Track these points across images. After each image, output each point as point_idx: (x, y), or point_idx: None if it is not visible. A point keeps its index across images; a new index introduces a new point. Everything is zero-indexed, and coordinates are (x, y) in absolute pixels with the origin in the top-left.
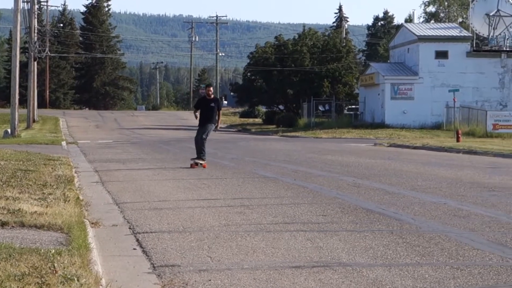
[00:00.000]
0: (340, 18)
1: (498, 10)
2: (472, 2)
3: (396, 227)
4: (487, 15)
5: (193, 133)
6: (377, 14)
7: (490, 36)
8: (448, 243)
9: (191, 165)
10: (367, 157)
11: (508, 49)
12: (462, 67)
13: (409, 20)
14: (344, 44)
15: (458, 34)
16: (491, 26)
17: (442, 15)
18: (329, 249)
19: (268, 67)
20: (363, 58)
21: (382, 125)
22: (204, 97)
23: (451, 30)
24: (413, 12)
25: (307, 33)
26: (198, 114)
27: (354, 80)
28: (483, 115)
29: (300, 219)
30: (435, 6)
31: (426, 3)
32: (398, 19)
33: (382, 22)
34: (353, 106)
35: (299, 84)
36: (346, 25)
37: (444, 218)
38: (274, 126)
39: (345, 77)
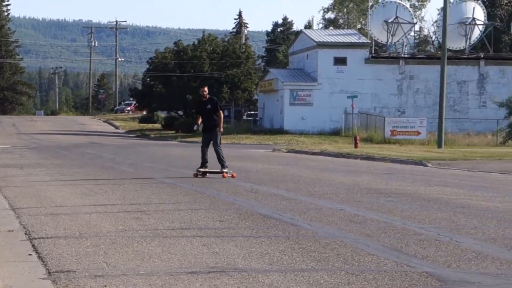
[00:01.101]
0: (240, 24)
1: (396, 17)
2: (370, 9)
3: (293, 232)
4: (386, 22)
5: (91, 138)
6: (276, 20)
7: (388, 43)
8: (343, 249)
9: (194, 174)
10: (265, 163)
11: (406, 55)
12: (361, 74)
13: (309, 26)
14: (243, 50)
15: (356, 41)
16: (390, 32)
17: (341, 21)
18: (225, 254)
19: (167, 72)
20: (263, 64)
21: (281, 131)
22: (201, 99)
23: (350, 36)
24: (313, 19)
25: (206, 39)
26: (200, 120)
27: (254, 86)
28: (381, 121)
29: (197, 225)
30: (334, 12)
31: (325, 9)
32: (298, 25)
33: (281, 28)
34: (252, 112)
35: (199, 89)
36: (245, 31)
37: (340, 224)
38: (173, 131)
39: (245, 83)
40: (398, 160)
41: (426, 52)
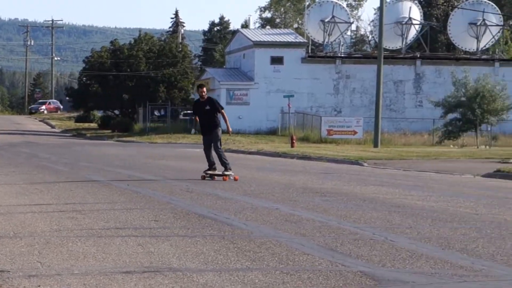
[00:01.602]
0: (177, 23)
1: (333, 17)
2: (307, 8)
3: (228, 232)
4: (322, 21)
5: (27, 138)
6: (213, 20)
7: (325, 42)
8: (279, 248)
9: (202, 176)
10: (202, 162)
11: (342, 55)
12: (297, 73)
13: (245, 25)
14: (180, 49)
15: (293, 40)
16: (326, 32)
17: (278, 20)
18: (160, 254)
19: (103, 71)
20: (199, 63)
21: None
22: (198, 100)
23: (287, 36)
24: (249, 18)
25: (143, 38)
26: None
27: (190, 85)
28: (317, 121)
29: (132, 225)
30: (271, 12)
31: (262, 9)
32: (235, 25)
33: (218, 28)
34: (189, 111)
35: (135, 89)
36: (182, 30)
37: (276, 223)
38: (109, 131)
39: (181, 82)
40: (334, 160)
41: (362, 52)
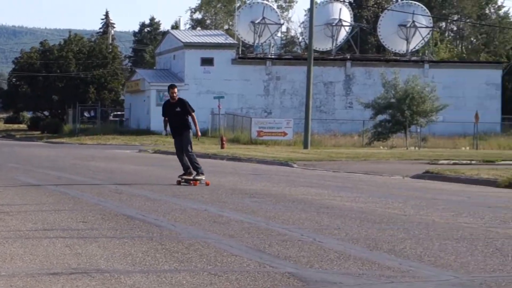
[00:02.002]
0: (107, 24)
1: (263, 18)
2: (238, 9)
3: (156, 233)
4: (253, 22)
5: None
6: (143, 21)
7: (255, 44)
8: (207, 250)
9: (178, 181)
10: (131, 163)
11: (273, 56)
12: (228, 74)
13: (176, 27)
14: (110, 50)
15: (223, 41)
16: (257, 33)
17: (208, 22)
18: (88, 255)
19: (33, 72)
20: (130, 64)
21: (147, 132)
22: (168, 101)
23: (217, 37)
24: (180, 19)
25: (73, 39)
26: (167, 124)
27: (120, 87)
28: (248, 122)
29: (60, 226)
30: (202, 13)
31: (193, 10)
32: (165, 26)
33: (148, 29)
34: (119, 113)
35: (65, 90)
36: (112, 31)
37: (204, 225)
38: (39, 132)
39: (111, 83)
40: (264, 161)
41: (293, 53)
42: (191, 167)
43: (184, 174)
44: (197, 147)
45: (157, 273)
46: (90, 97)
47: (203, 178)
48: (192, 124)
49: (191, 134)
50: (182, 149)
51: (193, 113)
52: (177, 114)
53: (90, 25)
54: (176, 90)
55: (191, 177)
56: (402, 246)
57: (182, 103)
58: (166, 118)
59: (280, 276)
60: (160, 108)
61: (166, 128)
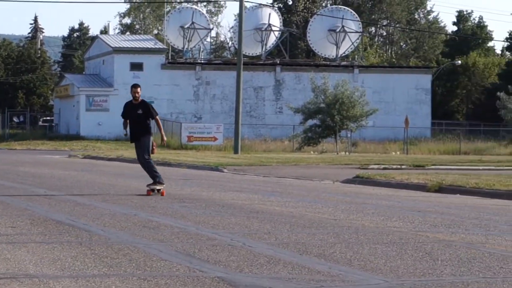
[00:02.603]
0: (36, 29)
1: (192, 23)
2: (167, 14)
3: (86, 238)
4: (182, 27)
5: None
6: (73, 26)
7: (185, 49)
8: (136, 254)
9: (148, 191)
10: (61, 168)
11: (202, 61)
12: (157, 79)
13: (105, 31)
14: (39, 55)
15: (153, 46)
16: (186, 38)
17: (137, 26)
18: (17, 261)
19: None
20: (59, 69)
21: (77, 137)
22: (130, 101)
23: (147, 42)
24: (109, 24)
25: (1, 44)
26: (126, 125)
27: (50, 92)
28: (178, 127)
29: None
30: (131, 18)
31: (122, 14)
32: (94, 31)
33: (78, 34)
34: (49, 118)
35: None
36: (41, 36)
37: (134, 229)
38: None
39: (40, 89)
40: (194, 166)
41: (222, 58)
42: (148, 175)
43: (153, 184)
44: (127, 152)
45: (86, 278)
46: (19, 102)
47: (159, 188)
48: (155, 128)
49: (151, 140)
50: (144, 156)
51: (157, 117)
52: (139, 116)
53: (19, 30)
54: (139, 90)
55: (156, 187)
56: (332, 251)
57: (145, 105)
58: (125, 120)
59: (210, 280)
60: (90, 113)
61: (126, 128)
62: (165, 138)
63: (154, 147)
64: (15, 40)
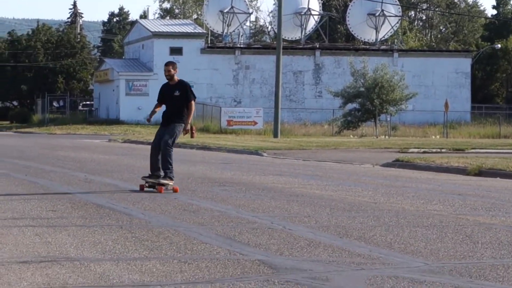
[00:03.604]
0: (75, 13)
1: (232, 7)
2: None
3: (126, 222)
4: (221, 12)
5: None
6: (112, 11)
7: (224, 33)
8: (177, 237)
9: (141, 186)
10: (101, 153)
11: (242, 46)
12: (197, 64)
13: (144, 16)
14: (78, 40)
15: (192, 31)
16: (225, 23)
17: (177, 11)
18: (58, 244)
19: (1, 62)
20: (98, 54)
21: (117, 121)
22: (167, 83)
23: (186, 26)
24: (148, 8)
25: (41, 29)
26: (157, 110)
27: (89, 76)
28: (217, 111)
29: (29, 215)
30: (170, 2)
31: None
32: (134, 16)
33: (117, 18)
34: (88, 102)
35: (33, 80)
36: (80, 21)
37: (174, 213)
38: (8, 122)
39: (80, 73)
40: (234, 150)
41: (262, 42)
42: (160, 166)
43: (150, 177)
44: None
45: (127, 261)
46: (59, 87)
47: (171, 184)
48: (186, 115)
49: (180, 128)
50: (167, 140)
51: (192, 101)
52: (174, 99)
53: (58, 15)
54: (171, 68)
55: (157, 181)
56: (372, 234)
57: (183, 86)
58: (159, 105)
59: (250, 263)
60: (130, 98)
61: (152, 115)
62: (188, 128)
63: (194, 131)
64: (55, 25)
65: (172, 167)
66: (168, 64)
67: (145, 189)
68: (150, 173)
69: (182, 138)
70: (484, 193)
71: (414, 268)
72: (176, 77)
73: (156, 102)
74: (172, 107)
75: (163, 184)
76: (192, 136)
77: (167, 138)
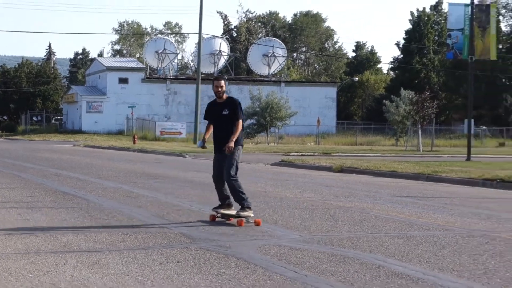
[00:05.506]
0: (50, 52)
1: (164, 49)
2: (146, 42)
3: (84, 205)
4: (157, 52)
5: None
6: (77, 50)
7: (158, 67)
8: (121, 216)
9: (212, 217)
10: (67, 154)
11: (171, 77)
12: (138, 90)
13: (101, 55)
14: (52, 71)
15: (135, 66)
16: (159, 60)
17: (125, 51)
18: (34, 220)
19: None
20: (67, 82)
21: (80, 131)
22: (214, 100)
23: (131, 62)
24: (103, 49)
25: (24, 63)
26: (208, 133)
27: (60, 98)
28: (153, 124)
29: (13, 199)
30: (120, 44)
31: (113, 42)
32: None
33: (81, 56)
34: (59, 117)
35: (19, 101)
36: (54, 58)
37: (120, 199)
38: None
39: (53, 96)
40: (165, 153)
41: (186, 75)
42: (231, 198)
43: (220, 207)
44: (116, 142)
45: (84, 233)
46: (37, 106)
47: (251, 215)
48: (241, 135)
49: (239, 151)
50: (222, 170)
51: (240, 121)
52: (223, 118)
53: (38, 53)
54: (223, 83)
55: (232, 212)
56: (263, 214)
57: (233, 103)
58: (209, 126)
59: (174, 235)
60: (89, 114)
61: (205, 136)
62: (230, 145)
63: (229, 148)
64: (35, 60)
65: (246, 196)
66: (219, 78)
67: (217, 219)
68: (219, 203)
69: (127, 144)
70: (344, 184)
71: (292, 239)
72: (225, 95)
73: (113, 117)
74: (221, 129)
75: (242, 217)
76: (226, 151)
77: (228, 170)
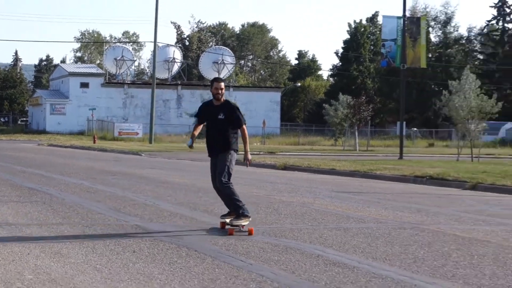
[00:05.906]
0: (16, 58)
1: (122, 56)
2: (105, 50)
3: (47, 199)
4: (115, 59)
5: None
6: (42, 57)
7: (117, 73)
8: (82, 210)
9: (222, 224)
10: (33, 153)
11: (129, 82)
12: (98, 94)
13: (63, 61)
14: (18, 76)
15: (96, 72)
16: (118, 66)
17: (86, 58)
18: (0, 214)
19: None
20: (32, 86)
21: (44, 132)
22: (210, 101)
23: (91, 68)
24: (66, 56)
25: None
26: (196, 132)
27: (26, 101)
28: (111, 126)
29: None
30: (81, 52)
31: (75, 50)
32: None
33: (45, 62)
34: (25, 119)
35: None
36: (20, 64)
37: (80, 193)
38: None
39: (19, 99)
40: (122, 152)
41: (142, 80)
42: (225, 204)
43: (228, 214)
44: (77, 142)
45: (47, 226)
46: (5, 108)
47: (246, 224)
48: (235, 139)
49: (231, 156)
50: (221, 178)
51: (244, 126)
52: (218, 122)
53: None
54: (223, 85)
55: (230, 222)
56: (213, 208)
57: (230, 108)
58: (198, 125)
59: (130, 227)
60: (53, 116)
61: (194, 138)
62: (249, 157)
63: (248, 160)
64: (2, 66)
65: (242, 203)
66: (220, 80)
67: (226, 226)
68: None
69: (88, 144)
70: (287, 181)
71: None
72: (223, 98)
73: (75, 119)
74: (215, 133)
75: (234, 226)
76: (247, 166)
77: (220, 177)
